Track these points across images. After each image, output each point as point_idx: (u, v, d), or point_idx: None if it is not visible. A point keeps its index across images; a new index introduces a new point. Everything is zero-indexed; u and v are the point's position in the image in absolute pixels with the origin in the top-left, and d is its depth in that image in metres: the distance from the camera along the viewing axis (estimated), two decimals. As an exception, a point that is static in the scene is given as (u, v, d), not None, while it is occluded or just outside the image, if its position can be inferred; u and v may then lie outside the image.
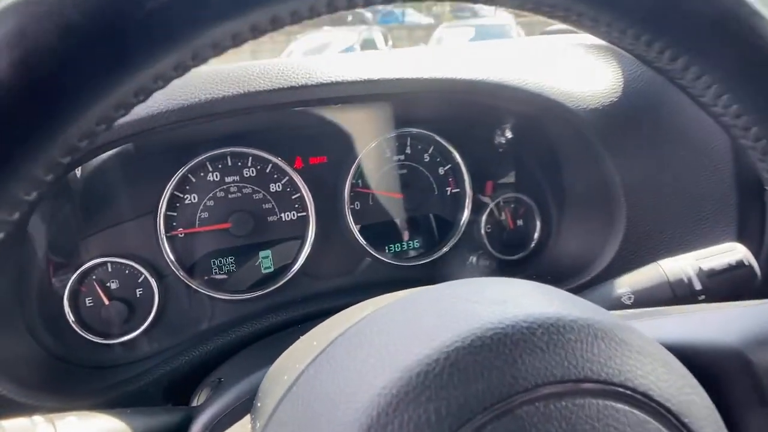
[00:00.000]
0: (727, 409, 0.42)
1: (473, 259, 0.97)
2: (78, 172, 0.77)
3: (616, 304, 0.72)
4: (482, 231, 0.99)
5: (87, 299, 0.79)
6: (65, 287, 0.77)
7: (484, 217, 0.99)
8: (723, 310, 0.52)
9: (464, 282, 0.43)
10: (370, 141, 0.91)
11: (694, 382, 0.38)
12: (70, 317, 0.77)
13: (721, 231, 0.84)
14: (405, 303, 0.41)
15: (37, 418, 0.50)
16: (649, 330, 0.46)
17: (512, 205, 1.02)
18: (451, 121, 0.96)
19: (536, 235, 1.02)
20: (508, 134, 0.98)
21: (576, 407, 0.32)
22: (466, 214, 0.98)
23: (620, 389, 0.34)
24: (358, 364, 0.36)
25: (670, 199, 0.85)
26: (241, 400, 0.61)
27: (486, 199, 0.99)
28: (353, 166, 0.90)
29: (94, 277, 0.79)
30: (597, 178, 0.89)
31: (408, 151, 0.96)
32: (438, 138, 0.96)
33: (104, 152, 0.72)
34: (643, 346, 0.37)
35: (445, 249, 0.96)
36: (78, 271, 0.78)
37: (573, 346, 0.34)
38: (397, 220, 0.96)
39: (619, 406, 0.33)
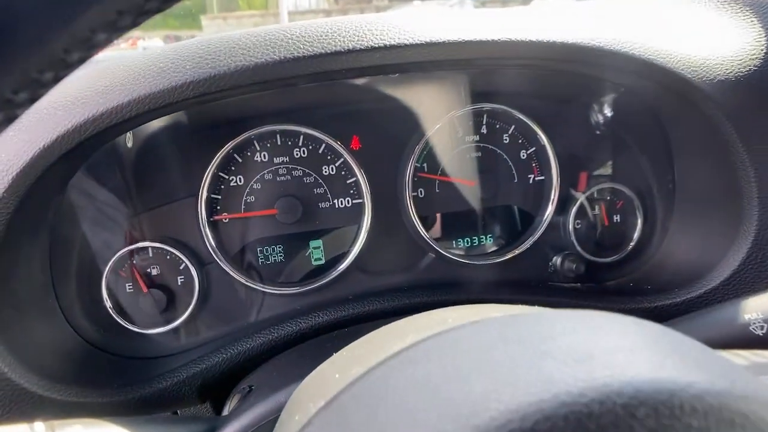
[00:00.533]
0: None
1: (557, 260, 0.82)
2: (129, 141, 0.71)
3: (742, 335, 0.56)
4: (570, 227, 0.84)
5: (126, 285, 0.74)
6: (104, 270, 0.72)
7: (573, 210, 0.83)
8: None
9: (538, 317, 0.31)
10: (440, 118, 0.79)
11: None
12: (108, 303, 0.72)
13: None
14: (456, 343, 0.30)
15: (38, 425, 0.45)
16: None
17: (608, 198, 0.86)
18: (537, 96, 0.82)
19: (636, 235, 0.85)
20: (607, 111, 0.81)
21: None
22: (551, 207, 0.83)
23: None
24: (384, 425, 0.25)
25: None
26: (266, 419, 0.53)
27: (577, 194, 0.84)
28: (418, 148, 0.79)
29: (133, 262, 0.74)
30: (722, 169, 0.71)
31: (484, 130, 0.83)
32: (521, 116, 0.81)
33: (150, 120, 0.64)
34: None
35: (522, 247, 0.82)
36: (117, 255, 0.73)
37: None
38: (467, 212, 0.83)
39: None
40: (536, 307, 0.41)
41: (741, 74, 0.65)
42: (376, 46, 0.60)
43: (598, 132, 0.84)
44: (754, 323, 0.55)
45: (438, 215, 0.83)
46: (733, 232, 0.72)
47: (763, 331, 0.55)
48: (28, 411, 0.59)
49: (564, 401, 0.24)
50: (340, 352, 0.46)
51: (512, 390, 0.25)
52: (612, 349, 0.27)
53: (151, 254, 0.75)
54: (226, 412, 0.63)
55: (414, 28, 0.61)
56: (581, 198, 0.83)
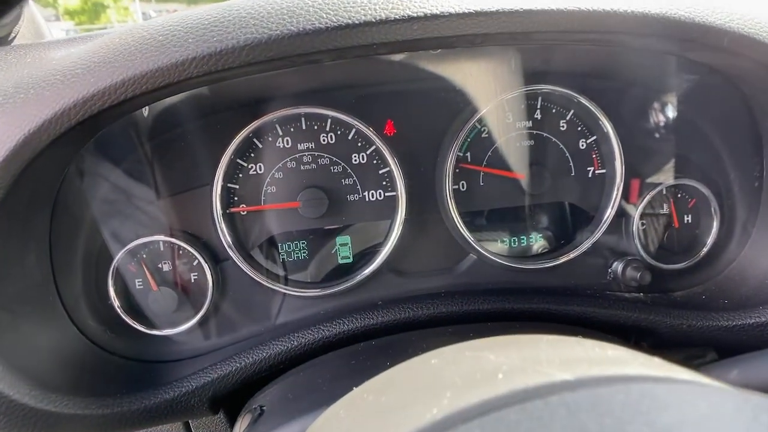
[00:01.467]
0: None
1: (618, 266, 0.72)
2: (146, 115, 0.64)
3: None
4: (633, 228, 0.73)
5: (136, 281, 0.67)
6: (112, 265, 0.66)
7: (638, 211, 0.72)
8: None
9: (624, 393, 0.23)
10: (487, 101, 0.69)
11: None
12: (115, 300, 0.66)
13: None
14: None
15: None
16: None
17: (679, 196, 0.75)
18: (601, 77, 0.71)
19: (711, 239, 0.75)
20: (684, 96, 0.70)
21: None
22: (614, 205, 0.72)
23: None
24: None
25: None
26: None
27: (645, 191, 0.73)
28: (461, 134, 0.69)
29: (143, 256, 0.67)
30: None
31: (538, 116, 0.73)
32: (581, 99, 0.70)
33: (150, 102, 0.57)
34: None
35: (578, 251, 0.72)
36: (126, 248, 0.66)
37: None
38: (516, 209, 0.74)
39: None
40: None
41: None
42: (414, 15, 0.49)
43: (670, 120, 0.72)
44: None
45: (482, 212, 0.73)
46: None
47: None
48: (18, 426, 0.53)
49: None
50: (360, 389, 0.38)
51: None
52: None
53: (162, 248, 0.68)
54: (236, 430, 0.56)
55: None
56: (648, 196, 0.72)
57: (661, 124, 0.73)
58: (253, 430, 0.52)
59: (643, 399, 0.25)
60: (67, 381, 0.58)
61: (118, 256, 0.66)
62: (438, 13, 0.48)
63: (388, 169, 0.70)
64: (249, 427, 0.53)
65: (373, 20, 0.50)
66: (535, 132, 0.72)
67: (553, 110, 0.72)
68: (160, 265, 0.68)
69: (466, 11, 0.49)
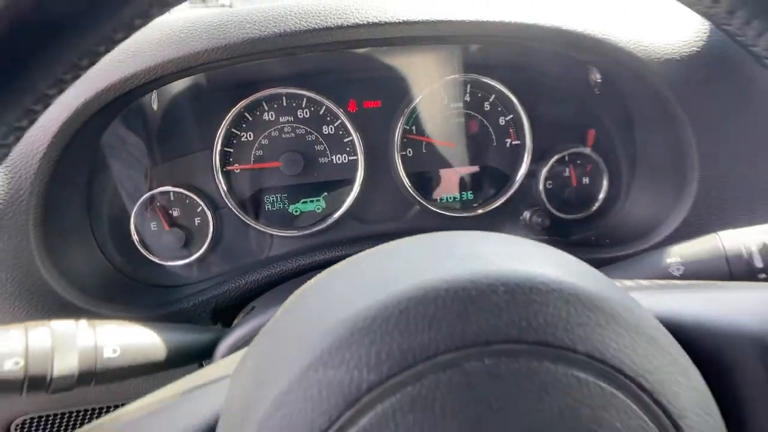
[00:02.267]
0: (735, 397, 0.38)
1: (527, 214, 0.93)
2: (154, 102, 0.83)
3: (664, 275, 0.67)
4: (541, 186, 0.94)
5: (151, 224, 0.86)
6: (132, 210, 0.84)
7: (544, 172, 0.94)
8: (756, 290, 0.46)
9: (444, 234, 0.41)
10: (427, 86, 0.89)
11: (684, 360, 0.35)
12: (135, 238, 0.84)
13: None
14: (375, 253, 0.40)
15: (82, 323, 0.57)
16: (655, 303, 0.42)
17: (578, 162, 0.96)
18: (514, 68, 0.91)
19: (602, 196, 0.95)
20: (569, 97, 0.91)
21: (529, 370, 0.30)
22: (524, 167, 0.93)
23: (585, 358, 0.31)
24: (319, 305, 0.36)
25: (747, 169, 0.76)
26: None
27: (548, 158, 0.94)
28: (407, 112, 0.89)
29: (158, 203, 0.85)
30: (671, 139, 0.81)
31: (467, 98, 0.93)
32: (499, 86, 0.91)
33: (173, 80, 0.75)
34: (627, 318, 0.33)
35: (497, 203, 0.93)
36: (144, 197, 0.84)
37: (536, 308, 0.31)
38: (450, 170, 0.94)
39: (582, 375, 0.31)
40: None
41: (685, 55, 0.75)
42: (360, 23, 0.70)
43: (569, 103, 0.93)
44: (673, 266, 0.66)
45: (424, 172, 0.93)
46: (677, 195, 0.82)
47: (680, 273, 0.66)
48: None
49: (447, 280, 0.32)
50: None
51: (413, 274, 0.34)
52: (494, 252, 0.37)
53: (172, 198, 0.86)
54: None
55: (393, 7, 0.72)
56: (552, 161, 0.93)
57: (563, 105, 0.94)
58: (244, 321, 0.71)
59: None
60: (102, 293, 0.76)
61: (139, 202, 0.85)
62: (377, 21, 0.69)
63: (351, 138, 0.89)
64: (242, 318, 0.72)
65: (332, 26, 0.70)
66: (465, 111, 0.93)
67: (479, 94, 0.93)
68: (171, 211, 0.87)
69: (395, 20, 0.69)
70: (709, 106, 0.77)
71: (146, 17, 0.30)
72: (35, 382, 0.52)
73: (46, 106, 0.30)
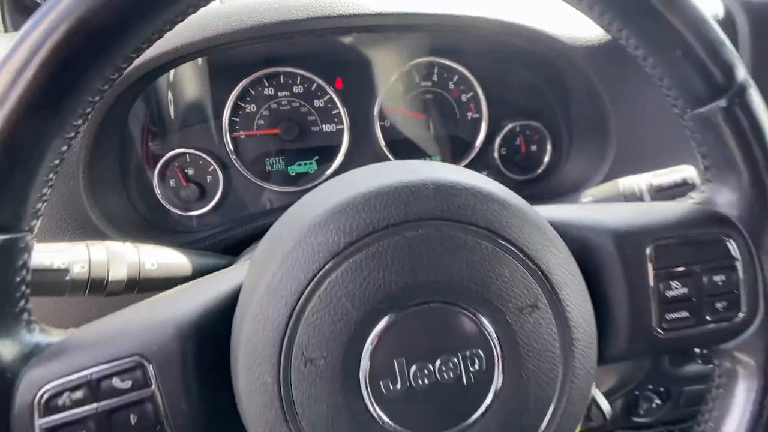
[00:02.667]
0: (595, 272, 0.53)
1: (484, 174, 1.11)
2: (171, 76, 0.99)
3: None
4: (496, 153, 1.13)
5: (171, 180, 1.03)
6: (155, 169, 1.01)
7: (498, 140, 1.13)
8: (619, 206, 0.65)
9: (397, 162, 0.58)
10: (401, 67, 1.07)
11: (558, 241, 0.48)
12: (158, 191, 1.01)
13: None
14: (352, 173, 0.52)
15: (128, 244, 0.73)
16: (547, 211, 0.55)
17: (527, 132, 1.15)
18: (473, 54, 1.10)
19: (546, 159, 1.15)
20: (518, 77, 1.11)
21: (449, 237, 0.43)
22: (481, 136, 1.12)
23: (485, 231, 0.44)
24: (310, 203, 0.48)
25: (654, 134, 0.96)
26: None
27: (502, 128, 1.13)
28: (385, 89, 1.07)
29: (176, 164, 1.02)
30: (596, 111, 1.01)
31: (435, 78, 1.11)
32: (460, 68, 1.09)
33: (185, 62, 0.92)
34: (517, 207, 0.46)
35: (461, 165, 1.12)
36: (164, 158, 1.01)
37: (454, 198, 0.44)
38: (423, 138, 1.13)
39: (483, 242, 0.44)
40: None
41: (603, 42, 0.94)
42: (345, 14, 0.89)
43: (519, 81, 1.13)
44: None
45: (401, 138, 1.11)
46: (602, 155, 1.02)
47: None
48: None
49: (392, 184, 0.44)
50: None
51: (367, 181, 0.45)
52: (435, 169, 0.47)
53: (188, 159, 1.03)
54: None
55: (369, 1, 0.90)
56: (505, 130, 1.13)
57: (514, 85, 1.13)
58: (248, 250, 0.88)
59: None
60: (133, 233, 0.93)
61: (160, 162, 1.01)
62: (357, 12, 0.87)
63: (338, 110, 1.07)
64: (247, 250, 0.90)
65: (318, 16, 0.88)
66: (433, 89, 1.11)
67: (445, 75, 1.11)
68: (186, 170, 1.04)
69: (372, 12, 0.88)
70: (624, 82, 0.97)
71: (197, 7, 0.43)
72: (95, 285, 0.65)
73: (120, 74, 0.42)
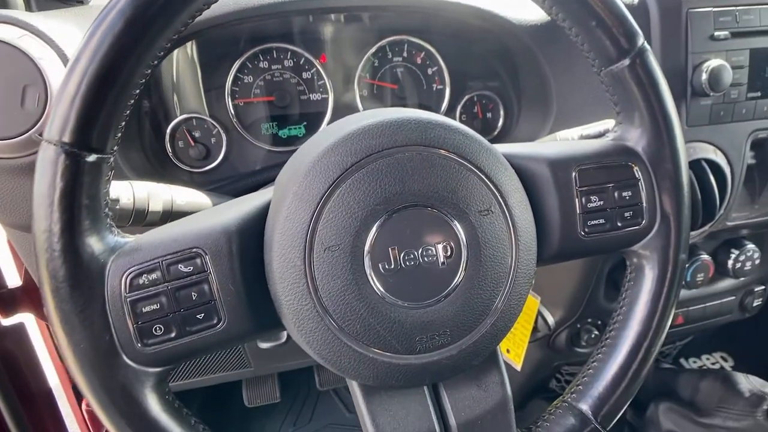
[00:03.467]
0: (533, 189, 0.66)
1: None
2: (185, 50, 1.15)
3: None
4: (457, 119, 1.33)
5: (179, 142, 1.19)
6: (166, 131, 1.17)
7: (459, 108, 1.33)
8: (559, 142, 0.86)
9: (392, 108, 0.77)
10: (375, 44, 1.25)
11: (510, 168, 0.60)
12: (169, 150, 1.18)
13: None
14: (355, 115, 0.64)
15: (162, 184, 0.90)
16: (500, 147, 0.64)
17: (483, 101, 1.35)
18: (438, 32, 1.29)
19: (500, 124, 1.35)
20: (476, 53, 1.30)
21: (428, 156, 0.55)
22: (445, 104, 1.32)
23: (455, 156, 0.56)
24: (325, 135, 0.59)
25: (589, 99, 1.17)
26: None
27: (462, 98, 1.33)
28: (362, 62, 1.25)
29: (184, 127, 1.19)
30: (540, 82, 1.21)
31: (405, 54, 1.29)
32: (426, 44, 1.28)
33: (192, 39, 1.09)
34: (474, 138, 0.59)
35: (427, 129, 1.31)
36: (174, 122, 1.18)
37: (431, 130, 0.56)
38: (394, 105, 1.31)
39: (452, 162, 0.56)
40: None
41: (544, 21, 1.15)
42: None
43: (478, 58, 1.32)
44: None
45: (375, 106, 1.30)
46: (545, 120, 1.23)
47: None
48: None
49: (367, 124, 0.56)
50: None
51: (349, 126, 0.57)
52: (409, 113, 0.58)
53: (194, 123, 1.19)
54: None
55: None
56: (464, 99, 1.33)
57: (474, 58, 1.33)
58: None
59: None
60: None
61: (171, 125, 1.18)
62: None
63: (323, 81, 1.25)
64: None
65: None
66: (403, 63, 1.30)
67: (414, 51, 1.29)
68: (193, 132, 1.20)
69: None
70: (562, 55, 1.17)
71: None
72: (138, 216, 0.74)
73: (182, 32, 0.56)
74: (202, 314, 0.55)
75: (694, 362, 2.23)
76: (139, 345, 0.53)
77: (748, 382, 1.41)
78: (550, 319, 1.38)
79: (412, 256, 0.56)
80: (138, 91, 0.54)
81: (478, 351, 0.60)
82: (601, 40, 0.64)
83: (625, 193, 0.67)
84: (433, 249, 0.57)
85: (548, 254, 0.67)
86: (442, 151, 0.57)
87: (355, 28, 1.23)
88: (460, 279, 0.58)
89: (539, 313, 1.39)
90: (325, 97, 1.24)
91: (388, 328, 0.56)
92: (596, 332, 1.55)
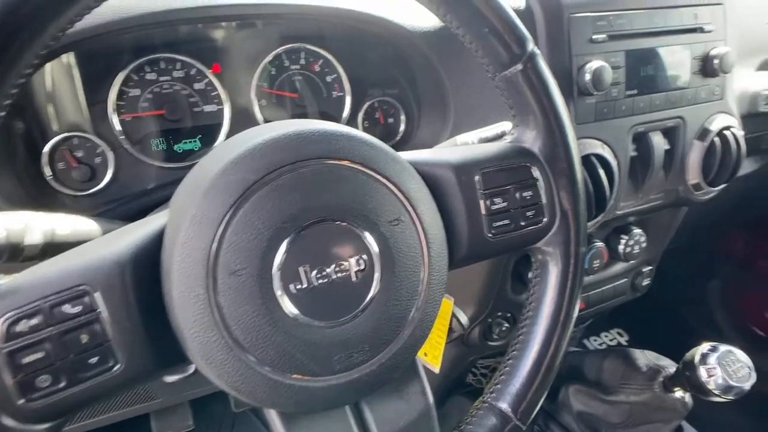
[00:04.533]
0: (439, 194, 0.66)
1: (351, 144, 1.30)
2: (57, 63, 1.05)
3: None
4: (360, 126, 1.32)
5: (59, 163, 1.08)
6: (43, 152, 1.06)
7: (360, 115, 1.32)
8: (462, 147, 0.87)
9: (294, 120, 0.75)
10: (271, 51, 1.22)
11: (417, 176, 0.62)
12: (48, 174, 1.06)
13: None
14: (255, 128, 0.64)
15: (41, 213, 0.81)
16: (405, 155, 0.65)
17: (384, 107, 1.36)
18: (335, 39, 1.27)
19: (401, 129, 1.36)
20: (375, 61, 1.31)
21: (334, 170, 0.55)
22: (346, 111, 1.31)
23: (360, 166, 0.56)
24: (221, 153, 0.57)
25: (485, 102, 1.21)
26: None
27: (363, 104, 1.32)
28: (258, 71, 1.21)
29: (64, 147, 1.08)
30: (437, 85, 1.24)
31: (303, 62, 1.27)
32: (326, 53, 1.27)
33: (70, 51, 0.99)
34: (386, 150, 0.60)
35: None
36: (52, 141, 1.06)
37: (336, 143, 0.56)
38: (295, 115, 1.28)
39: (359, 174, 0.57)
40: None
41: (438, 28, 1.17)
42: (214, 5, 1.02)
43: (377, 64, 1.33)
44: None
45: (276, 116, 1.26)
46: (445, 123, 1.26)
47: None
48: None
49: (276, 135, 0.55)
50: None
51: (257, 137, 0.56)
52: (316, 124, 0.60)
53: (76, 142, 1.09)
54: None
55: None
56: (366, 106, 1.32)
57: (373, 65, 1.33)
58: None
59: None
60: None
61: (49, 145, 1.06)
62: (220, 3, 1.01)
63: (216, 92, 1.19)
64: None
65: (193, 6, 1.01)
66: (301, 71, 1.27)
67: (311, 59, 1.26)
68: (76, 152, 1.10)
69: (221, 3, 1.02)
70: (457, 60, 1.20)
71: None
72: (14, 250, 0.65)
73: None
74: (96, 358, 0.50)
75: (595, 340, 2.43)
76: (22, 401, 0.48)
77: (644, 357, 1.52)
78: (464, 319, 1.42)
79: (324, 273, 0.55)
80: (3, 113, 0.48)
81: (398, 363, 0.59)
82: (494, 47, 0.65)
83: (525, 194, 0.70)
84: (346, 263, 0.56)
85: (459, 258, 0.68)
86: (348, 163, 0.57)
87: (249, 35, 1.19)
88: (375, 292, 0.57)
89: (453, 314, 1.42)
90: (220, 108, 1.19)
91: (304, 351, 0.54)
92: (507, 325, 1.61)
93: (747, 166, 1.58)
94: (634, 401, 1.50)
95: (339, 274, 0.55)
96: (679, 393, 1.45)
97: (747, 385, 1.27)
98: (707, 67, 1.26)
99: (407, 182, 0.60)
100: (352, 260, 0.56)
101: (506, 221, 0.69)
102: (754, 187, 1.70)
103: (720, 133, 1.33)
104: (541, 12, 1.18)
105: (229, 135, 1.20)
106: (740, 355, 1.30)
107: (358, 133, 0.60)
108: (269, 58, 1.21)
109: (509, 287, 1.50)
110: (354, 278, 0.56)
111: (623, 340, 2.39)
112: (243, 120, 1.21)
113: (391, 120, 1.35)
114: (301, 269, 0.54)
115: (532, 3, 1.21)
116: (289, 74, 1.26)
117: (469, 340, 1.61)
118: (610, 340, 2.40)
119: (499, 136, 1.01)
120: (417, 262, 0.59)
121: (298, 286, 0.53)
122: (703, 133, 1.34)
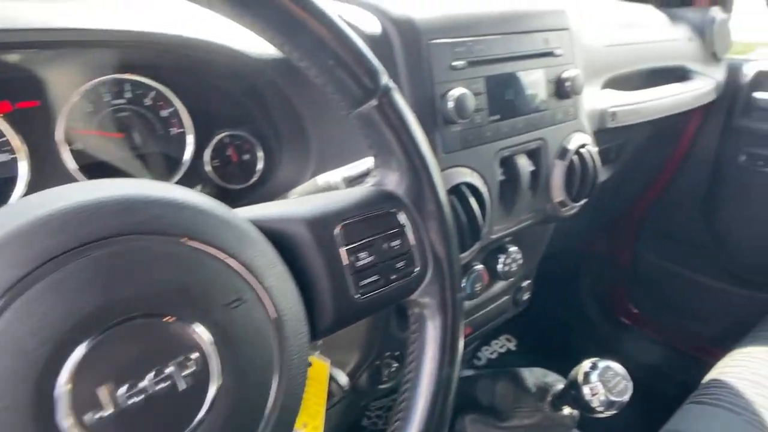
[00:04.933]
0: (293, 255, 0.58)
1: (198, 188, 1.11)
2: None
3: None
4: (208, 166, 1.14)
5: None
6: None
7: (208, 153, 1.14)
8: (317, 196, 0.74)
9: (83, 183, 0.54)
10: (84, 84, 0.99)
11: (261, 239, 0.53)
12: None
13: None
14: (21, 201, 0.49)
15: None
16: (246, 211, 0.58)
17: (237, 142, 1.18)
18: (169, 69, 1.08)
19: (259, 167, 1.20)
20: (227, 79, 1.13)
21: (143, 249, 0.44)
22: (190, 150, 1.11)
23: (180, 238, 0.46)
24: None
25: (342, 131, 1.09)
26: None
27: (211, 140, 1.14)
28: (67, 109, 0.97)
29: None
30: (293, 115, 1.09)
31: (128, 95, 1.05)
32: (157, 85, 1.06)
33: None
34: (218, 213, 0.50)
35: (172, 181, 1.09)
36: None
37: (144, 213, 0.45)
38: (122, 159, 1.06)
39: (180, 249, 0.46)
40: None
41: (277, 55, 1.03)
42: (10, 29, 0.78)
43: (222, 95, 1.15)
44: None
45: (96, 163, 1.02)
46: (306, 156, 1.12)
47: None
48: None
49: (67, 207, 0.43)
50: None
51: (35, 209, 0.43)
52: (116, 186, 0.47)
53: None
54: None
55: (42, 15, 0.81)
56: (213, 143, 1.14)
57: (217, 98, 1.15)
58: None
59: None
60: None
61: None
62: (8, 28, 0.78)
63: (5, 138, 0.93)
64: None
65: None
66: (127, 106, 1.05)
67: (139, 91, 1.06)
68: None
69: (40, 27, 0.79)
70: (314, 91, 1.06)
71: None
72: None
73: None
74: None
75: (487, 350, 2.54)
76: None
77: (532, 377, 1.52)
78: (343, 380, 1.29)
79: (138, 387, 0.43)
80: None
81: None
82: (343, 81, 0.59)
83: (393, 243, 0.64)
84: (170, 368, 0.45)
85: (324, 326, 0.61)
86: (163, 237, 0.46)
87: (53, 66, 0.95)
88: (213, 395, 0.46)
89: (331, 377, 1.28)
90: (13, 157, 0.93)
91: None
92: (396, 364, 1.53)
93: (601, 174, 1.66)
94: (527, 424, 1.52)
95: (159, 385, 0.44)
96: (567, 410, 1.48)
97: (626, 398, 1.32)
98: (561, 90, 1.31)
99: (248, 251, 0.50)
100: (178, 363, 0.45)
101: (375, 277, 0.63)
102: (608, 192, 1.82)
103: (577, 152, 1.38)
104: (398, 38, 1.10)
105: (30, 190, 0.94)
106: (617, 368, 1.36)
107: (181, 194, 0.49)
108: (81, 93, 0.98)
109: (395, 324, 1.41)
110: (181, 386, 0.45)
111: (512, 345, 2.52)
112: (48, 170, 0.97)
113: (246, 156, 1.19)
114: (101, 390, 0.41)
115: (387, 28, 1.13)
116: (112, 110, 1.03)
117: (358, 387, 1.50)
118: (501, 347, 2.52)
119: (364, 174, 0.91)
120: (267, 347, 0.50)
121: (99, 415, 0.41)
122: (563, 153, 1.38)
